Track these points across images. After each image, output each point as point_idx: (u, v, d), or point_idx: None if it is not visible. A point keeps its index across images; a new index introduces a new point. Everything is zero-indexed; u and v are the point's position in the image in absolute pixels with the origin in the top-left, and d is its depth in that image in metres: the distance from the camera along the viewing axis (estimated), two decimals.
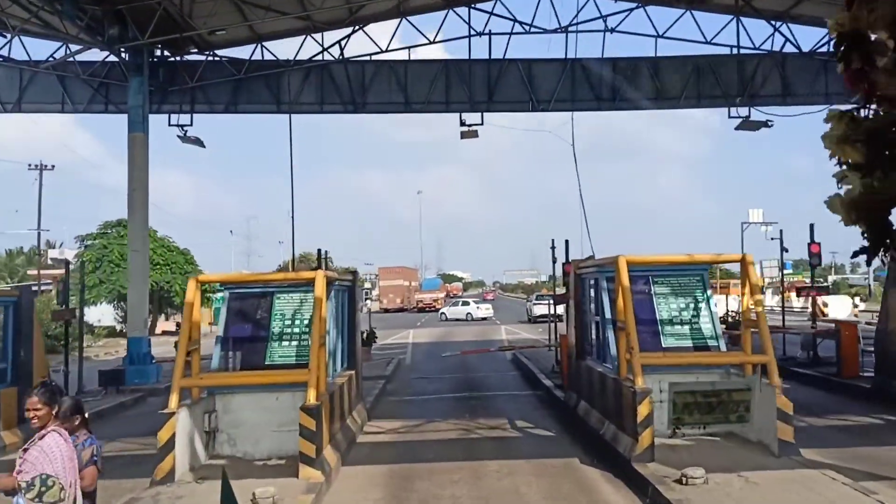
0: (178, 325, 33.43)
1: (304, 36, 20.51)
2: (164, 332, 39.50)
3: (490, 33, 20.75)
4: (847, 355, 15.79)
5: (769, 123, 20.79)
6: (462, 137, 20.25)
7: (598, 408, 10.97)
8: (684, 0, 20.16)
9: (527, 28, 20.64)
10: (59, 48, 19.87)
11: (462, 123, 20.11)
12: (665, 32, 20.72)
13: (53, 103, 20.91)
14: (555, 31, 20.60)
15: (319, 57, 20.67)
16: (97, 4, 17.06)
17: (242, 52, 20.92)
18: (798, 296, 28.79)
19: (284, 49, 21.14)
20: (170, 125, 20.29)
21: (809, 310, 20.58)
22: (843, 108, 1.95)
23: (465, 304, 55.71)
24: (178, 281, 40.66)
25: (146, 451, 10.10)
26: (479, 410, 14.21)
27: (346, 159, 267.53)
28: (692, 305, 10.63)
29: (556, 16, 20.58)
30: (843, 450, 9.78)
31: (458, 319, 50.05)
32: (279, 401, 9.78)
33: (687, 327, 10.48)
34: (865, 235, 1.86)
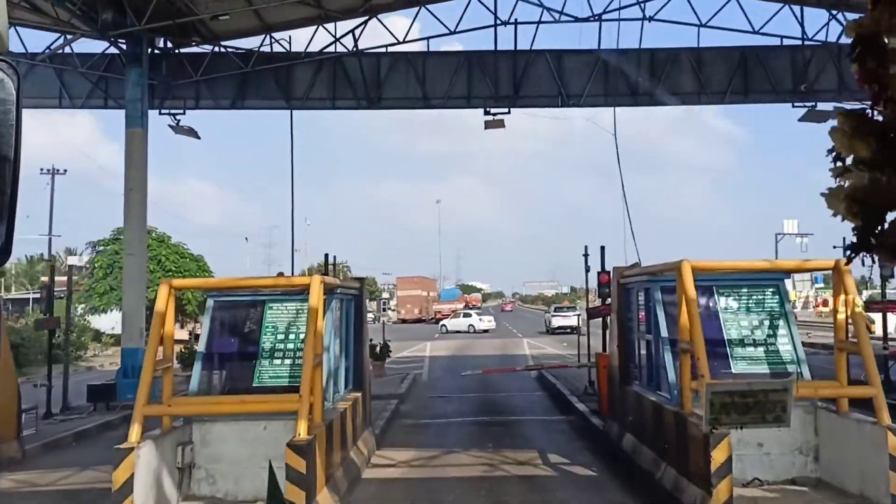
0: (191, 333, 32.19)
1: (315, 26, 19.10)
2: (178, 341, 38.15)
3: (516, 22, 19.10)
4: None
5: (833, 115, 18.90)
6: (486, 128, 18.62)
7: (649, 444, 9.16)
8: None
9: (556, 16, 18.99)
10: (55, 40, 18.72)
11: (486, 113, 18.50)
12: (708, 21, 18.98)
13: (51, 98, 19.73)
14: (587, 19, 18.89)
15: (332, 49, 19.23)
16: None
17: (250, 45, 19.58)
18: (867, 311, 26.88)
19: (294, 41, 19.79)
20: (160, 113, 18.85)
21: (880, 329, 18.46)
22: (850, 105, 1.88)
23: (467, 315, 53.22)
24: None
25: None
26: (505, 439, 12.46)
27: (366, 170, 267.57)
28: (768, 322, 8.76)
29: (589, 3, 18.90)
30: None
31: (458, 332, 47.82)
32: (267, 431, 8.28)
33: (762, 349, 8.63)
34: (856, 232, 1.75)
